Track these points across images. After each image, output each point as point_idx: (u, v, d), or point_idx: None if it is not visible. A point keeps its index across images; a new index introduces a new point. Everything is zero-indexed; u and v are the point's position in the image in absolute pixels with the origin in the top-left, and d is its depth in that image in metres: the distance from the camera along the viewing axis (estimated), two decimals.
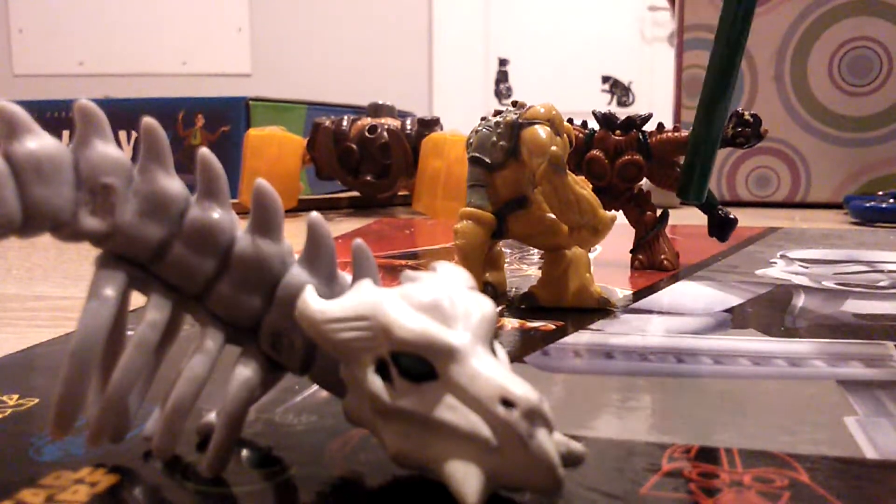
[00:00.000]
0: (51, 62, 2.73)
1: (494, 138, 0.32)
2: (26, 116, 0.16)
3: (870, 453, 0.18)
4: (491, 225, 0.32)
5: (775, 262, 0.46)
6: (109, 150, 0.16)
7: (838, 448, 0.18)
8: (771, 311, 0.33)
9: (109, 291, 0.16)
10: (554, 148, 0.30)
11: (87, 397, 0.16)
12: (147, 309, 0.17)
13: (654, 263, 0.44)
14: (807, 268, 0.44)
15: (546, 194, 0.31)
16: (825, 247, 0.53)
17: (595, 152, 0.43)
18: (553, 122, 0.31)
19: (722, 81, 0.40)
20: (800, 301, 0.35)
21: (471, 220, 0.32)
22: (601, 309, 0.33)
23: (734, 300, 0.35)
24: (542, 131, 0.31)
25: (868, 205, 0.72)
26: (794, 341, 0.28)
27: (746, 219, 0.75)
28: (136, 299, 0.17)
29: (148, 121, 0.17)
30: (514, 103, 0.33)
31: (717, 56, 0.40)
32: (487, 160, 0.32)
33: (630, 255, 0.45)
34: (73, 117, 0.17)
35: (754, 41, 0.90)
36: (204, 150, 0.17)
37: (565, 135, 0.31)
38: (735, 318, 0.32)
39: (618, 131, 0.43)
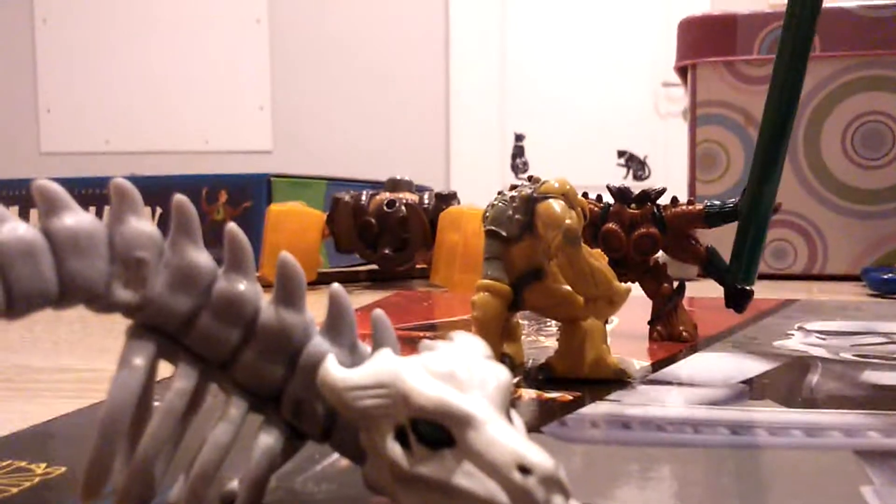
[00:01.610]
0: (78, 140, 2.80)
1: (510, 212, 0.33)
2: (64, 194, 0.16)
3: None
4: (507, 297, 0.33)
5: (793, 334, 0.46)
6: (143, 226, 0.17)
7: None
8: (788, 382, 0.33)
9: (139, 361, 0.17)
10: (568, 221, 0.31)
11: (115, 464, 0.16)
12: (174, 378, 0.17)
13: (672, 335, 0.44)
14: (824, 339, 0.44)
15: (561, 266, 0.31)
16: (843, 319, 0.53)
17: (611, 225, 0.44)
18: (567, 196, 0.32)
19: (769, 166, 0.40)
20: (817, 372, 0.35)
21: (488, 292, 0.33)
22: (618, 380, 0.33)
23: (752, 371, 0.35)
24: (556, 205, 0.31)
25: (886, 276, 0.72)
26: (812, 412, 0.28)
27: (764, 291, 0.75)
28: (163, 369, 0.18)
29: (179, 197, 0.17)
30: (531, 178, 0.34)
31: (763, 141, 0.40)
32: (503, 233, 0.33)
33: (648, 326, 0.45)
34: (105, 194, 0.17)
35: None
36: (232, 225, 0.18)
37: (579, 208, 0.32)
38: (752, 390, 0.32)
39: (633, 205, 0.44)
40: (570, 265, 0.31)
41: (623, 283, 0.32)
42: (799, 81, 0.39)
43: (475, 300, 0.33)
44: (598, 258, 0.31)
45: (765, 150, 0.40)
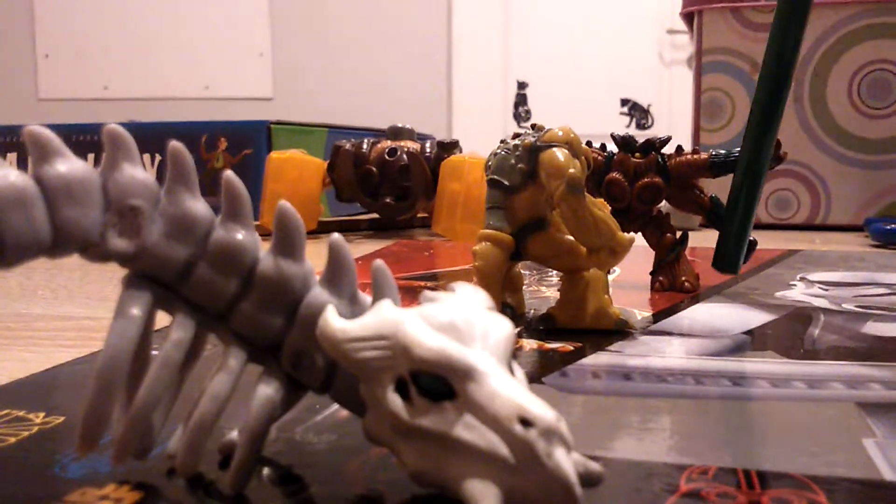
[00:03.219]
0: (76, 86, 2.77)
1: (513, 161, 0.32)
2: (56, 140, 0.16)
3: (888, 475, 0.18)
4: (509, 247, 0.33)
5: (795, 285, 0.45)
6: (137, 173, 0.17)
7: (857, 470, 0.18)
8: (790, 333, 0.33)
9: (136, 311, 0.17)
10: (572, 170, 0.30)
11: (112, 415, 0.16)
12: (172, 328, 0.17)
13: (674, 285, 0.44)
14: (827, 290, 0.44)
15: (564, 216, 0.31)
16: (845, 269, 0.53)
17: (614, 175, 0.43)
18: (571, 144, 0.31)
19: (768, 119, 0.39)
20: (819, 324, 0.35)
21: (489, 241, 0.32)
22: (619, 331, 0.33)
23: (754, 322, 0.35)
24: (560, 154, 0.31)
25: (889, 227, 0.72)
26: (814, 364, 0.28)
27: (766, 241, 0.75)
28: (160, 319, 0.18)
29: (175, 144, 0.17)
30: (534, 126, 0.33)
31: (762, 94, 0.39)
32: (506, 183, 0.32)
33: (650, 276, 0.45)
34: (99, 140, 0.17)
35: None
36: (229, 173, 0.17)
37: (583, 157, 0.32)
38: (754, 341, 0.32)
39: (637, 154, 0.43)
40: (573, 215, 0.30)
41: (626, 234, 0.32)
42: (800, 31, 0.38)
43: (476, 250, 0.33)
44: (601, 208, 0.31)
45: (763, 103, 0.39)
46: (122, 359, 0.16)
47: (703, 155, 0.43)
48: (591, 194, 0.31)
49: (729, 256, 0.40)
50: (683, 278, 0.44)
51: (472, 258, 0.33)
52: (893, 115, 0.88)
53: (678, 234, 0.45)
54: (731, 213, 0.40)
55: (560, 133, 0.31)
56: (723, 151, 0.42)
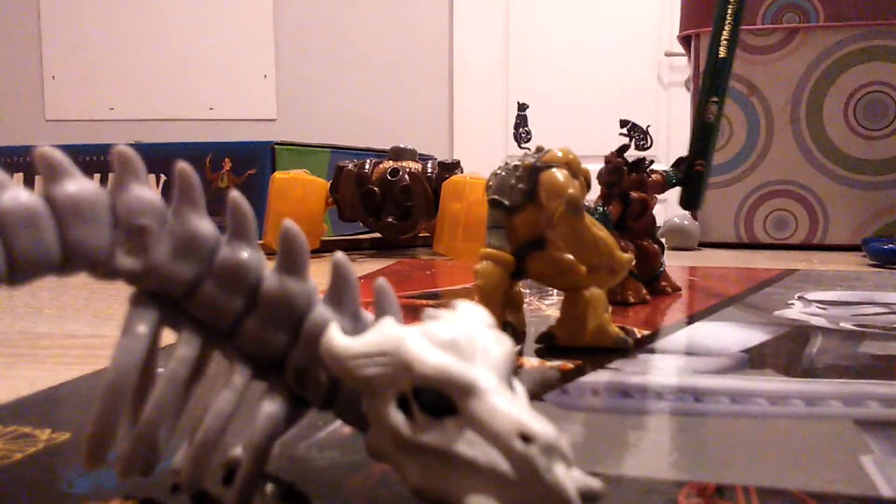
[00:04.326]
0: (82, 108, 2.78)
1: (513, 181, 0.33)
2: (66, 161, 0.16)
3: (886, 492, 0.18)
4: (510, 265, 0.33)
5: (793, 304, 0.46)
6: (145, 193, 0.17)
7: (854, 487, 0.18)
8: (788, 351, 0.33)
9: (142, 328, 0.17)
10: (571, 191, 0.30)
11: (119, 430, 0.17)
12: (177, 345, 0.17)
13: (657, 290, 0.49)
14: (824, 309, 0.44)
15: (564, 236, 0.31)
16: (843, 289, 0.53)
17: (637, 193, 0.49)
18: (570, 165, 0.32)
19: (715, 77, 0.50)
20: (817, 342, 0.35)
21: (490, 260, 0.33)
22: (619, 349, 0.33)
23: (752, 341, 0.35)
24: (559, 174, 0.31)
25: (886, 247, 0.72)
26: (812, 382, 0.28)
27: (764, 261, 0.75)
28: (166, 336, 0.18)
29: (182, 165, 0.17)
30: (539, 149, 0.34)
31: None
32: (506, 202, 0.33)
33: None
34: (106, 161, 0.17)
35: (770, 85, 0.91)
36: (234, 193, 0.18)
37: (582, 178, 0.32)
38: (752, 359, 0.32)
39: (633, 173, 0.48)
40: (572, 234, 0.31)
41: (625, 253, 0.32)
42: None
43: (477, 269, 0.33)
44: (600, 227, 0.31)
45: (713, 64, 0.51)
46: (128, 375, 0.16)
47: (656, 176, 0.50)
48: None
49: (692, 198, 0.52)
50: (663, 283, 0.49)
51: (474, 277, 0.33)
52: (890, 137, 0.89)
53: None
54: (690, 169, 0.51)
55: (559, 154, 0.32)
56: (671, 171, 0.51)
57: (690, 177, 0.52)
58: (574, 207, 0.30)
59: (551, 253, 0.33)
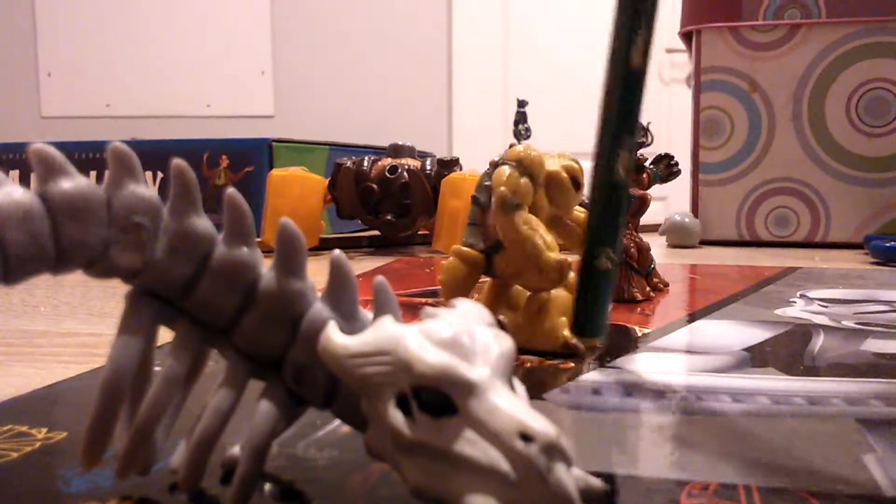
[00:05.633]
0: (78, 104, 2.78)
1: (484, 178, 0.32)
2: (61, 158, 0.16)
3: (889, 491, 0.18)
4: (476, 263, 0.32)
5: (795, 302, 0.45)
6: (141, 190, 0.17)
7: (857, 486, 0.18)
8: (790, 350, 0.33)
9: (139, 326, 0.17)
10: (502, 188, 0.30)
11: (116, 430, 0.16)
12: (174, 344, 0.17)
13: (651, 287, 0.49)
14: (826, 307, 0.44)
15: (502, 233, 0.31)
16: (845, 286, 0.53)
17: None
18: (521, 162, 0.31)
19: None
20: (819, 340, 0.35)
21: (456, 257, 0.33)
22: (619, 349, 0.33)
23: (754, 339, 0.35)
24: (503, 171, 0.31)
25: (888, 244, 0.72)
26: (814, 380, 0.28)
27: (766, 258, 0.75)
28: (163, 334, 0.18)
29: (178, 162, 0.17)
30: (511, 146, 0.33)
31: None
32: (481, 199, 0.33)
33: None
34: (101, 158, 0.17)
35: (772, 82, 0.90)
36: (231, 191, 0.17)
37: (539, 176, 0.31)
38: (754, 357, 0.32)
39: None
40: (503, 232, 0.30)
41: (559, 256, 0.30)
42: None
43: (444, 264, 0.33)
44: (534, 227, 0.30)
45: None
46: (125, 374, 0.16)
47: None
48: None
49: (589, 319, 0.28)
50: (655, 280, 0.49)
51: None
52: (893, 133, 0.88)
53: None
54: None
55: (520, 150, 0.31)
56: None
57: (591, 277, 0.28)
58: (502, 205, 0.30)
59: (509, 252, 0.32)
